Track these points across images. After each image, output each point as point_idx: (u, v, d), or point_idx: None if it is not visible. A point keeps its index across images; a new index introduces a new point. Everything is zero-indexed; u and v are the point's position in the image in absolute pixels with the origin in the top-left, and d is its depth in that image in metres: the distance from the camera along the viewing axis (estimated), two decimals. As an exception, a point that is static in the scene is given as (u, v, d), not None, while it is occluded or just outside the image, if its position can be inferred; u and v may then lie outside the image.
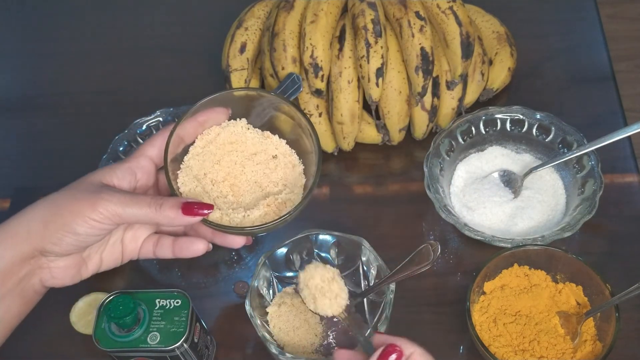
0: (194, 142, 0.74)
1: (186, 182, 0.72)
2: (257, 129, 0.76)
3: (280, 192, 0.73)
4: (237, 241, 0.73)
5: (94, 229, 0.65)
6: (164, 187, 0.73)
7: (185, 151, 0.74)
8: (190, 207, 0.66)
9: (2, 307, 0.65)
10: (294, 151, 0.75)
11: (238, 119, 0.76)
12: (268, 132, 0.76)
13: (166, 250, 0.72)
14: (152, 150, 0.71)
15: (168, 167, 0.70)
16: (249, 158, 0.75)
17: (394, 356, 0.59)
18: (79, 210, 0.64)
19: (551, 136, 0.88)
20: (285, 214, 0.70)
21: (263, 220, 0.71)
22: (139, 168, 0.70)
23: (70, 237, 0.64)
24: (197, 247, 0.71)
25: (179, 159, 0.73)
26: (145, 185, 0.71)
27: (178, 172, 0.72)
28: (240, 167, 0.74)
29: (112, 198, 0.64)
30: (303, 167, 0.75)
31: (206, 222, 0.68)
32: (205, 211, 0.66)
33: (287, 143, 0.76)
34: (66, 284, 0.69)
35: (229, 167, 0.74)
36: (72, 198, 0.65)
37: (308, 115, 0.90)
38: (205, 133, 0.74)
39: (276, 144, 0.76)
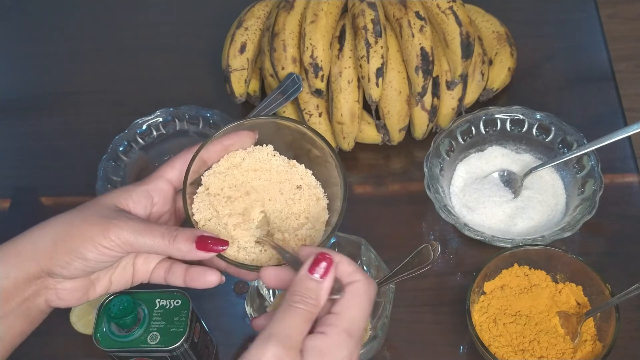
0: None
1: (201, 209, 0.68)
2: (283, 157, 0.71)
3: (302, 226, 0.68)
4: (252, 275, 0.69)
5: (103, 256, 0.62)
6: (181, 211, 0.70)
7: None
8: (205, 241, 0.63)
9: (5, 326, 0.63)
10: (319, 183, 0.70)
11: (264, 145, 0.71)
12: (294, 160, 0.71)
13: (178, 278, 0.69)
14: (172, 173, 0.68)
15: (187, 192, 0.66)
16: (272, 186, 0.70)
17: (323, 264, 0.57)
18: (89, 235, 0.62)
19: (551, 136, 0.88)
20: None
21: (280, 258, 0.66)
22: (156, 191, 0.67)
23: (79, 262, 0.62)
24: (209, 279, 0.67)
25: (199, 181, 0.69)
26: (162, 209, 0.68)
27: (194, 196, 0.68)
28: (262, 195, 0.70)
29: (125, 225, 0.62)
30: (327, 201, 0.70)
31: (221, 257, 0.65)
32: (220, 247, 0.63)
33: (312, 174, 0.71)
34: (72, 305, 0.66)
35: (250, 195, 0.69)
36: (84, 221, 0.63)
37: (308, 116, 0.90)
38: (231, 155, 0.70)
39: (302, 174, 0.70)
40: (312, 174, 0.70)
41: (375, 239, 0.78)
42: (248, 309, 0.74)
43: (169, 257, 0.70)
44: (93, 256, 0.62)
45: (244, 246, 0.67)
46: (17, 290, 0.63)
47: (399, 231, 0.88)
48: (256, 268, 0.65)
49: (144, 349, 0.70)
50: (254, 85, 0.97)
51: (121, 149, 0.91)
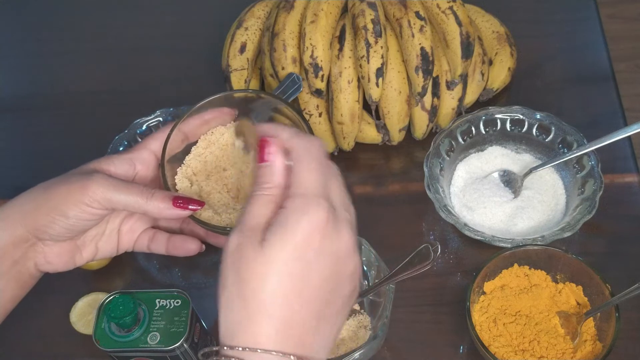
0: (197, 141, 0.74)
1: (184, 180, 0.72)
2: None
3: None
4: None
5: (84, 213, 0.65)
6: None
7: (188, 149, 0.74)
8: (180, 199, 0.66)
9: None
10: None
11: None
12: None
13: (160, 246, 0.72)
14: (155, 144, 0.71)
15: (165, 161, 0.69)
16: (251, 160, 0.75)
17: (267, 149, 0.54)
18: (69, 193, 0.64)
19: (551, 136, 0.88)
20: None
21: None
22: (139, 160, 0.70)
23: (62, 220, 0.65)
24: (189, 247, 0.72)
25: (181, 156, 0.73)
26: (145, 177, 0.71)
27: (178, 169, 0.73)
28: (240, 169, 0.74)
29: (104, 182, 0.65)
30: None
31: (195, 219, 0.68)
32: (195, 207, 0.66)
33: None
34: (59, 269, 0.69)
35: (229, 169, 0.74)
36: (64, 182, 0.66)
37: (308, 115, 0.90)
38: (209, 133, 0.74)
39: None
40: None
41: (375, 239, 0.78)
42: (248, 309, 0.74)
43: (152, 227, 0.74)
44: (74, 214, 0.64)
45: (219, 211, 0.70)
46: (7, 254, 0.65)
47: (399, 231, 0.88)
48: (228, 231, 0.68)
49: (144, 349, 0.70)
50: (254, 85, 0.97)
51: (121, 149, 0.91)
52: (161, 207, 0.65)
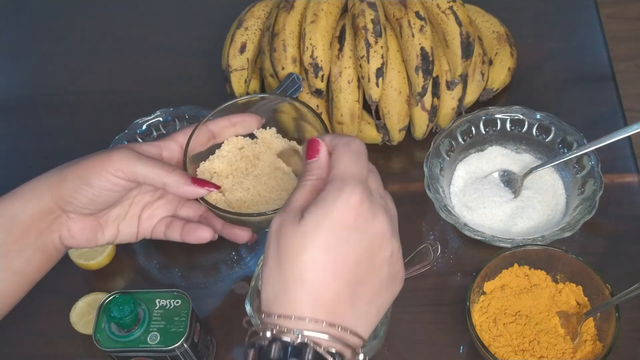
0: (221, 144, 0.76)
1: (205, 172, 0.74)
2: (285, 139, 0.77)
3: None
4: (242, 235, 0.76)
5: (108, 183, 0.67)
6: None
7: (212, 150, 0.76)
8: (198, 180, 0.70)
9: (23, 259, 0.68)
10: None
11: (267, 128, 0.77)
12: (294, 142, 0.77)
13: (175, 232, 0.75)
14: (183, 137, 0.74)
15: (189, 156, 0.72)
16: (272, 166, 0.76)
17: (314, 146, 0.59)
18: (95, 164, 0.68)
19: (551, 136, 0.88)
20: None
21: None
22: (166, 148, 0.73)
23: (86, 189, 0.67)
24: (202, 234, 0.75)
25: (205, 156, 0.75)
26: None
27: (200, 163, 0.75)
28: (261, 173, 0.76)
29: (128, 154, 0.68)
30: None
31: (209, 204, 0.70)
32: (212, 188, 0.70)
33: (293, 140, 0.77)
34: (82, 245, 0.71)
35: (250, 172, 0.75)
36: (91, 156, 0.69)
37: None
38: (234, 140, 0.76)
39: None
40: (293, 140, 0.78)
41: (375, 239, 0.78)
42: (248, 309, 0.74)
43: (172, 216, 0.77)
44: (98, 182, 0.67)
45: (229, 198, 0.73)
46: (34, 223, 0.68)
47: (399, 231, 0.88)
48: (237, 217, 0.71)
49: (144, 349, 0.70)
50: (254, 85, 0.97)
51: (121, 149, 0.91)
52: (180, 181, 0.68)
